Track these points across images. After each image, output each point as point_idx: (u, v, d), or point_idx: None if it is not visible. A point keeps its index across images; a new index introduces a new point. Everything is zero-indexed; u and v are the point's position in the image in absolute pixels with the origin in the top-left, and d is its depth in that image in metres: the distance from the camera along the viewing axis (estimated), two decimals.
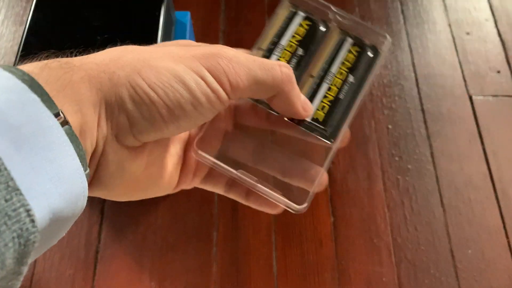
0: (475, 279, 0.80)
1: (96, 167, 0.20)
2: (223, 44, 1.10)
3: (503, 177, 0.90)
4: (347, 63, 0.28)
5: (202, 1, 1.11)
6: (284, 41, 0.28)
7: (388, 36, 0.29)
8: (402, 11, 1.13)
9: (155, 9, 0.62)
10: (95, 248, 0.82)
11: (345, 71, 0.28)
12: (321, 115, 0.27)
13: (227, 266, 0.81)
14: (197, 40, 0.97)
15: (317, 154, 0.28)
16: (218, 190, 0.28)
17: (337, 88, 0.28)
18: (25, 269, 0.16)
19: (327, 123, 0.27)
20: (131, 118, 0.19)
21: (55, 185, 0.17)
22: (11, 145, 0.16)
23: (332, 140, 0.27)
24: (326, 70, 0.28)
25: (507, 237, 0.84)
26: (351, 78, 0.28)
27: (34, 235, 0.16)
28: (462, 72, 1.03)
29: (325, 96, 0.28)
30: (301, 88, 0.27)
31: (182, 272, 0.80)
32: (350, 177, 0.89)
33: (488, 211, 0.87)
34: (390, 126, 0.96)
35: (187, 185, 0.26)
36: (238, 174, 0.26)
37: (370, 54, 0.29)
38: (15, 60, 0.57)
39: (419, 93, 1.00)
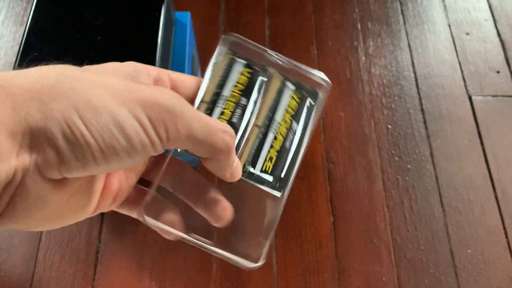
0: (475, 278, 0.80)
1: (10, 199, 0.19)
2: None
3: (502, 177, 0.90)
4: (290, 110, 0.28)
5: (202, 2, 1.11)
6: (226, 92, 0.28)
7: (327, 80, 0.29)
8: (402, 11, 1.13)
9: (155, 10, 0.62)
10: (95, 248, 0.82)
11: (289, 119, 0.28)
12: (269, 166, 0.27)
13: (227, 266, 0.81)
14: (198, 41, 0.97)
15: (267, 207, 0.27)
16: (134, 214, 0.27)
17: (283, 137, 0.28)
18: None
19: (276, 174, 0.27)
20: (61, 156, 0.18)
21: None
22: None
23: (282, 191, 0.27)
24: (270, 119, 0.28)
25: (506, 237, 0.84)
26: (295, 126, 0.28)
27: None
28: (462, 72, 1.04)
29: (271, 146, 0.28)
30: (248, 139, 0.27)
31: (182, 272, 0.80)
32: (349, 177, 0.90)
33: (488, 211, 0.87)
34: (389, 126, 0.96)
35: (105, 209, 0.25)
36: (191, 238, 0.25)
37: (310, 100, 0.29)
38: (16, 60, 0.57)
39: (418, 93, 1.00)
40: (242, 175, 0.26)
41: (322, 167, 0.90)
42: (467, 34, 1.09)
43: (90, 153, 0.18)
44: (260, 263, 0.25)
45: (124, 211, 0.27)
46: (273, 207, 0.27)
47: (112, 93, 0.20)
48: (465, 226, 0.85)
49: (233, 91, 0.28)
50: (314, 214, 0.86)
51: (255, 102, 0.28)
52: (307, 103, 0.29)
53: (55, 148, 0.18)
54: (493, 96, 1.00)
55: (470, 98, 1.00)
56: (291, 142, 0.28)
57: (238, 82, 0.28)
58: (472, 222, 0.86)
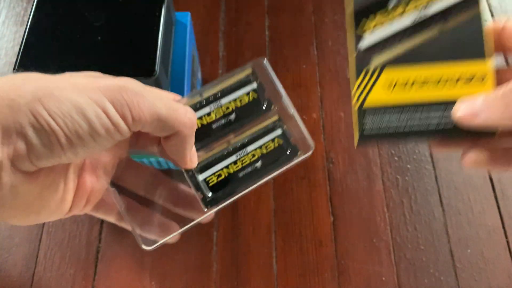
0: (474, 278, 0.81)
1: None
2: (223, 44, 1.10)
3: (502, 177, 0.90)
4: (264, 149, 0.29)
5: (202, 2, 1.11)
6: (224, 100, 0.29)
7: (313, 146, 0.29)
8: None
9: (155, 10, 0.62)
10: (95, 247, 0.82)
11: (258, 155, 0.29)
12: (213, 180, 0.28)
13: (227, 266, 0.81)
14: (198, 41, 0.97)
15: (190, 211, 0.28)
16: (110, 218, 0.29)
17: (242, 166, 0.29)
18: None
19: (214, 191, 0.28)
20: (29, 144, 0.20)
21: None
22: None
23: (209, 208, 0.28)
24: (243, 146, 0.29)
25: (506, 237, 0.84)
26: (258, 164, 0.29)
27: None
28: None
29: (227, 167, 0.29)
30: (212, 147, 0.28)
31: (182, 272, 0.80)
32: (349, 177, 0.90)
33: (487, 211, 0.87)
34: None
35: (79, 211, 0.26)
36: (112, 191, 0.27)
37: (288, 152, 0.29)
38: (16, 60, 0.58)
39: None
40: (187, 174, 0.28)
41: (322, 167, 0.90)
42: None
43: (56, 139, 0.20)
44: (147, 249, 0.27)
45: (100, 215, 0.28)
46: (193, 216, 0.28)
47: (74, 85, 0.21)
48: (465, 226, 0.85)
49: (229, 103, 0.29)
50: (314, 214, 0.86)
51: (241, 124, 0.29)
52: (282, 154, 0.29)
53: (24, 138, 0.20)
54: None
55: None
56: (245, 174, 0.29)
57: (239, 99, 0.29)
58: (472, 222, 0.86)
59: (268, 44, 1.06)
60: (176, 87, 0.69)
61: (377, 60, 0.27)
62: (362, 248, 0.83)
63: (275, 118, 0.30)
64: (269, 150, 0.29)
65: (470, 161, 0.26)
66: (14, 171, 0.20)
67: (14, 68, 0.57)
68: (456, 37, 0.27)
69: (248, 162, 0.29)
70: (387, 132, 0.26)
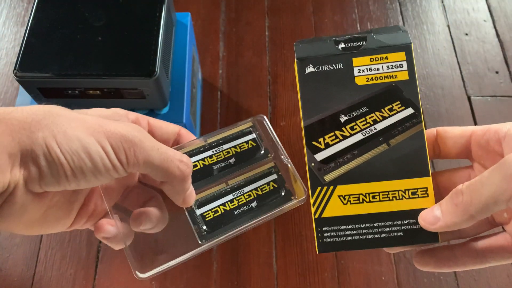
0: (474, 278, 0.81)
1: (1, 204, 0.23)
2: (223, 44, 1.10)
3: None
4: (259, 191, 0.31)
5: (203, 2, 1.12)
6: (226, 146, 0.32)
7: (306, 192, 0.31)
8: (401, 12, 1.13)
9: (155, 10, 0.62)
10: (96, 247, 0.82)
11: (254, 195, 0.31)
12: (210, 215, 0.30)
13: (227, 265, 0.81)
14: (198, 41, 0.97)
15: (185, 245, 0.30)
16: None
17: (238, 204, 0.31)
18: None
19: (209, 226, 0.30)
20: (41, 172, 0.23)
21: None
22: None
23: (203, 241, 0.29)
24: (240, 186, 0.31)
25: None
26: (254, 204, 0.31)
27: None
28: (461, 72, 1.04)
29: (223, 204, 0.31)
30: (211, 186, 0.31)
31: (183, 271, 0.80)
32: None
33: None
34: None
35: (80, 227, 0.30)
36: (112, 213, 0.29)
37: (282, 196, 0.32)
38: (17, 60, 0.58)
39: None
40: (186, 209, 0.30)
41: None
42: (466, 34, 1.10)
43: (63, 171, 0.23)
44: (141, 277, 0.28)
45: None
46: (189, 248, 0.29)
47: (84, 126, 0.25)
48: None
49: (230, 149, 0.32)
50: None
51: (239, 168, 0.32)
52: (277, 196, 0.32)
53: (37, 166, 0.23)
54: (492, 96, 1.01)
55: (469, 98, 1.00)
56: (241, 212, 0.31)
57: (239, 145, 0.33)
58: None
59: (268, 44, 1.06)
60: (176, 87, 0.69)
61: (330, 176, 0.30)
62: None
63: (271, 164, 0.33)
64: (264, 192, 0.31)
65: (418, 264, 0.31)
66: (26, 192, 0.23)
67: (14, 68, 0.57)
68: (402, 153, 0.30)
69: (244, 201, 0.31)
70: (344, 240, 0.30)
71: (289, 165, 0.32)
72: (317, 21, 1.10)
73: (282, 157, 0.33)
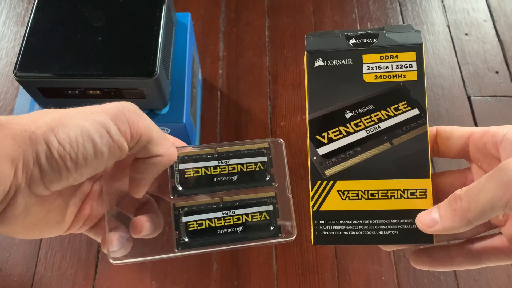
0: (474, 278, 0.81)
1: (4, 208, 0.23)
2: (223, 44, 1.10)
3: None
4: (250, 217, 0.31)
5: (203, 2, 1.12)
6: (234, 161, 0.32)
7: (295, 234, 0.31)
8: (401, 12, 1.13)
9: (155, 10, 0.62)
10: (96, 247, 0.82)
11: (242, 220, 0.31)
12: (193, 226, 0.30)
13: (227, 265, 0.81)
14: (198, 41, 0.97)
15: (160, 247, 0.30)
16: (99, 239, 0.32)
17: (224, 224, 0.31)
18: None
19: (190, 236, 0.30)
20: (42, 170, 0.23)
21: None
22: None
23: (179, 250, 0.29)
24: (233, 207, 0.31)
25: None
26: (239, 229, 0.31)
27: None
28: (461, 72, 1.04)
29: (210, 220, 0.30)
30: (204, 197, 0.31)
31: (183, 272, 0.80)
32: None
33: None
34: None
35: (75, 231, 0.30)
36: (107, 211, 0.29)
37: (270, 230, 0.31)
38: (17, 61, 0.58)
39: None
40: (174, 211, 0.30)
41: None
42: (466, 34, 1.10)
43: (63, 163, 0.23)
44: (114, 263, 0.29)
45: (91, 235, 0.32)
46: (163, 252, 0.30)
47: (82, 112, 0.25)
48: None
49: (237, 165, 0.32)
50: None
51: (239, 187, 0.32)
52: (265, 229, 0.31)
53: (38, 165, 0.23)
54: (492, 96, 1.01)
55: (469, 99, 1.00)
56: (224, 233, 0.31)
57: (247, 164, 0.32)
58: None
59: (268, 44, 1.06)
60: (176, 87, 0.69)
61: (331, 171, 0.30)
62: (362, 248, 0.83)
63: (271, 194, 0.32)
64: (254, 220, 0.31)
65: (414, 263, 0.32)
66: (29, 194, 0.23)
67: (14, 68, 0.57)
68: (404, 153, 0.30)
69: (231, 223, 0.31)
70: (340, 234, 0.30)
71: (289, 200, 0.32)
72: (317, 21, 1.10)
73: (286, 188, 0.32)
